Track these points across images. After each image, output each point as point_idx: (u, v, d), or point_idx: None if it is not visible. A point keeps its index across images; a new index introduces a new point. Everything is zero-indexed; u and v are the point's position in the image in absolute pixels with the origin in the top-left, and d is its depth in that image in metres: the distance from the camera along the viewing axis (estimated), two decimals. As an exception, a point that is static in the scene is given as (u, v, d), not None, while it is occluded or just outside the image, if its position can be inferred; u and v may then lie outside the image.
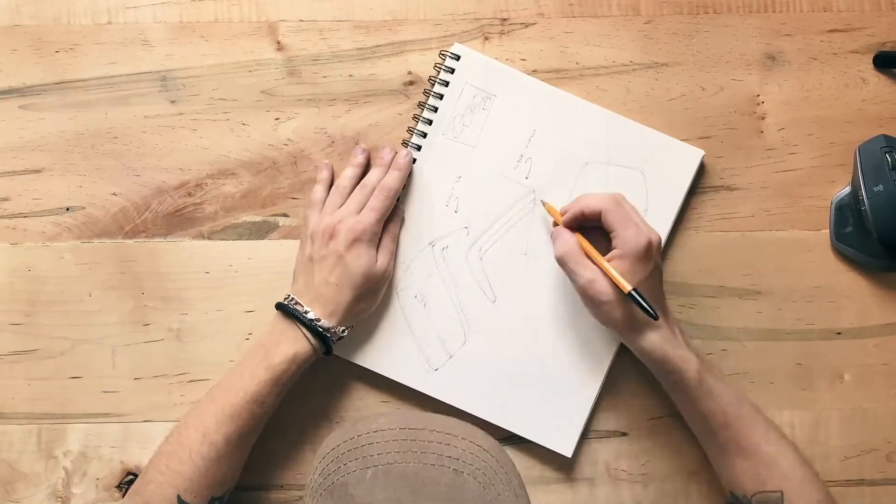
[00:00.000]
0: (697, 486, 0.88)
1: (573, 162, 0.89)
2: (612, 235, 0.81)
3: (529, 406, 0.87)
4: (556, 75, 0.91)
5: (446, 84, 0.90)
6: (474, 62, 0.90)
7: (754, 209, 0.91)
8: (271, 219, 0.90)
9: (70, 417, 0.88)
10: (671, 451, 0.89)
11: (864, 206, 0.87)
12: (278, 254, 0.90)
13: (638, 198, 0.88)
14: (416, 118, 0.90)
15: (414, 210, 0.90)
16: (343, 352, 0.88)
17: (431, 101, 0.90)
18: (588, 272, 0.81)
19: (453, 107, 0.90)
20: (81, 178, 0.90)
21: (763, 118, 0.91)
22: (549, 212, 0.87)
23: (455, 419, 0.74)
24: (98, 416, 0.89)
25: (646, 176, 0.89)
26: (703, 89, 0.92)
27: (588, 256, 0.81)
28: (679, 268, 0.90)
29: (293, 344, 0.83)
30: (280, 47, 0.91)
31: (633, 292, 0.79)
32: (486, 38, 0.91)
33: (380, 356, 0.88)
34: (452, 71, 0.90)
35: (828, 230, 0.91)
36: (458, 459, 0.69)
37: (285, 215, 0.90)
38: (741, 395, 0.82)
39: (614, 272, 0.79)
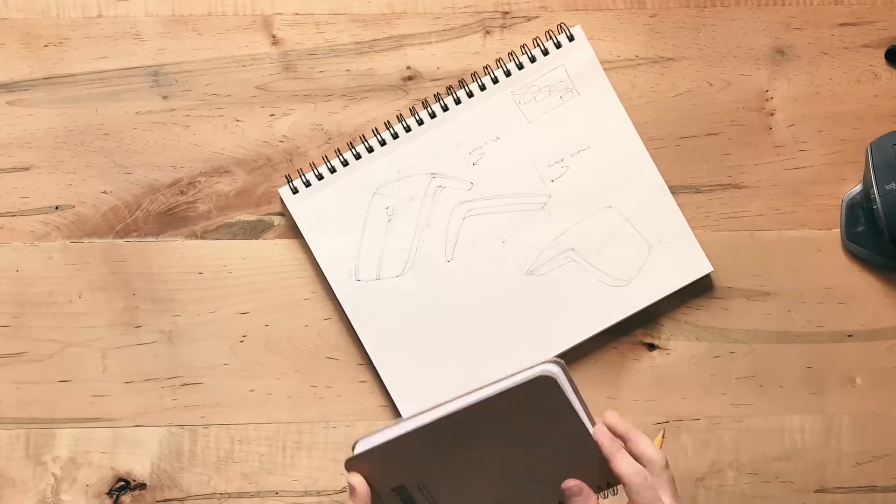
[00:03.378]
0: (705, 493, 0.87)
1: (599, 198, 0.88)
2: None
3: (409, 364, 0.87)
4: (560, 70, 0.90)
5: (545, 53, 0.88)
6: (582, 52, 0.89)
7: (763, 208, 0.89)
8: (266, 218, 0.89)
9: (59, 422, 0.87)
10: (678, 456, 0.87)
11: (876, 204, 0.86)
12: (273, 254, 0.88)
13: (632, 267, 0.87)
14: (498, 62, 0.89)
15: (440, 135, 0.88)
16: (297, 213, 0.87)
17: (523, 58, 0.88)
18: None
19: (537, 77, 0.88)
20: (71, 175, 0.89)
21: (772, 114, 0.90)
22: None
23: None
24: (88, 421, 0.87)
25: (650, 252, 0.88)
26: (711, 84, 0.90)
27: None
28: (686, 268, 0.89)
29: None
30: (275, 41, 0.90)
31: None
32: (488, 32, 0.90)
33: (322, 234, 0.87)
34: (559, 46, 0.88)
35: (839, 229, 0.89)
36: None
37: (280, 214, 0.89)
38: None
39: None
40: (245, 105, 0.89)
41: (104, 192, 0.89)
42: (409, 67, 0.90)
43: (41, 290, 0.88)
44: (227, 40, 0.90)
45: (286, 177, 0.88)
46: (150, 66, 0.89)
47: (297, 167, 0.89)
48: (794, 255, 0.89)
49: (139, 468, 0.87)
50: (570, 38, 0.89)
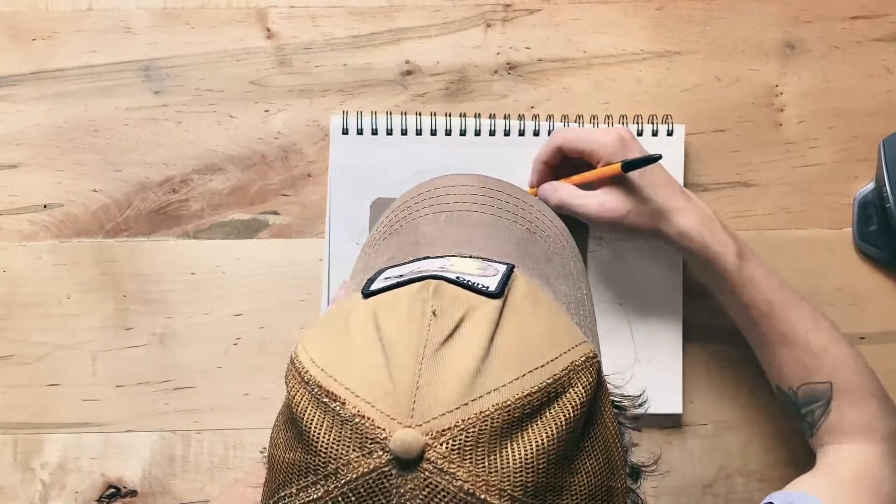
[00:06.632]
0: (713, 500, 0.87)
1: (617, 290, 0.86)
2: (586, 157, 0.80)
3: None
4: (563, 64, 0.88)
5: (639, 133, 0.86)
6: (673, 151, 0.86)
7: (772, 207, 0.88)
8: (261, 217, 0.87)
9: (48, 427, 0.86)
10: (684, 462, 0.87)
11: (889, 203, 0.85)
12: (268, 254, 0.87)
13: (609, 368, 0.87)
14: (593, 119, 0.86)
15: (507, 153, 0.86)
16: (336, 153, 0.87)
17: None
18: (593, 198, 0.79)
19: None
20: (60, 173, 0.87)
21: (781, 110, 0.89)
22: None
23: (534, 197, 0.73)
24: (77, 426, 0.86)
25: (634, 365, 0.86)
26: (719, 80, 0.88)
27: (577, 184, 0.80)
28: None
29: None
30: (270, 35, 0.88)
31: (626, 164, 0.77)
32: (489, 26, 0.88)
33: (346, 184, 0.86)
34: (655, 134, 0.86)
35: (850, 229, 0.88)
36: (532, 222, 0.68)
37: (275, 213, 0.87)
38: (784, 281, 0.80)
39: (598, 170, 0.79)
40: (239, 100, 0.88)
41: (94, 191, 0.87)
42: (408, 62, 0.88)
43: (29, 292, 0.87)
44: (221, 34, 0.88)
45: (344, 112, 0.86)
46: (141, 61, 0.88)
47: (292, 164, 0.87)
48: (805, 256, 0.88)
49: (130, 474, 0.86)
50: (669, 133, 0.87)
